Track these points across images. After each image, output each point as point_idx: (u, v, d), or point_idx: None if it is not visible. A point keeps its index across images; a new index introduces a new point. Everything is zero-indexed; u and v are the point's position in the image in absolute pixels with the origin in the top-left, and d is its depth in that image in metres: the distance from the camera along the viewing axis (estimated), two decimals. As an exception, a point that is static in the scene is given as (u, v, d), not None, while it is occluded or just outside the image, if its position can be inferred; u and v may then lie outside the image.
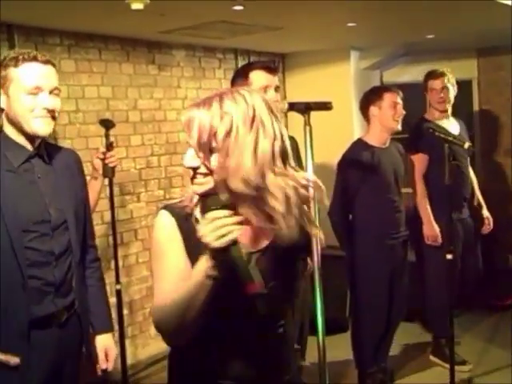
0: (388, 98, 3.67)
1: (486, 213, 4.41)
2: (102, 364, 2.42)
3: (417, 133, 4.19)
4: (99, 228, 4.02)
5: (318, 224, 2.05)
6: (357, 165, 3.61)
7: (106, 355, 2.42)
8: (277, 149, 1.52)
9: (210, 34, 4.45)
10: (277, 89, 2.90)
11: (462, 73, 5.42)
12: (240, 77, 2.87)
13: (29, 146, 2.18)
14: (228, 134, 1.45)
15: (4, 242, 2.06)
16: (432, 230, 4.04)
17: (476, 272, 4.37)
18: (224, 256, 1.39)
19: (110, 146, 3.22)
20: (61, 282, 2.20)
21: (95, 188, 3.11)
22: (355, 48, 5.68)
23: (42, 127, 2.14)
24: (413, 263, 4.21)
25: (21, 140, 2.17)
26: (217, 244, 1.36)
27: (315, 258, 2.04)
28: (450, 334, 3.52)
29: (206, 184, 1.49)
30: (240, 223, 1.39)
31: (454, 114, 4.39)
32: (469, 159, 4.29)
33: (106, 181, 3.38)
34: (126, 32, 4.28)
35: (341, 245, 3.76)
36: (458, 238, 4.07)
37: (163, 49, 4.75)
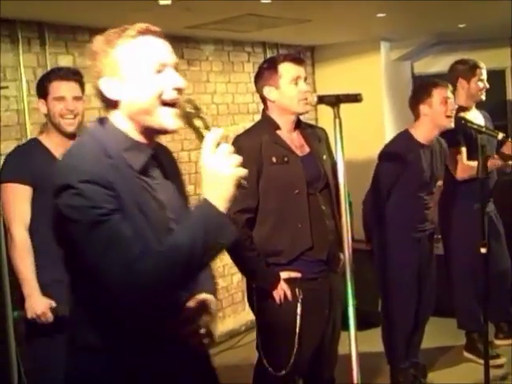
0: (437, 93, 3.55)
1: None
2: None
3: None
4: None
5: (349, 217, 2.04)
6: (397, 160, 3.56)
7: None
8: None
9: (238, 28, 4.44)
10: (305, 80, 2.89)
11: (494, 62, 5.33)
12: (268, 70, 2.86)
13: None
14: None
15: None
16: None
17: (503, 266, 4.29)
18: None
19: None
20: None
21: None
22: (385, 39, 5.62)
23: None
24: (442, 256, 4.17)
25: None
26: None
27: (346, 253, 2.02)
28: (484, 329, 3.46)
29: None
30: None
31: (486, 104, 4.31)
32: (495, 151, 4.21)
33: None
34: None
35: (366, 235, 3.73)
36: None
37: (192, 43, 4.75)
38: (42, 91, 2.94)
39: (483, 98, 4.20)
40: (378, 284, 3.77)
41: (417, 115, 3.64)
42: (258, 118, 3.13)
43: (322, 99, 2.11)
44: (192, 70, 4.75)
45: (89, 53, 1.65)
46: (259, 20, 4.14)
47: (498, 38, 5.66)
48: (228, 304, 5.10)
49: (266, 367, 2.79)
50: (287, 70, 2.82)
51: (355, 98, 2.10)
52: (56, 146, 2.94)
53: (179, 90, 1.62)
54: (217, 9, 3.68)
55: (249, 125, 3.16)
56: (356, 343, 2.01)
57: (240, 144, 2.76)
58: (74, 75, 2.98)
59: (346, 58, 5.66)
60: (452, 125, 3.59)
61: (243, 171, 1.49)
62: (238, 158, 1.49)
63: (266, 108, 2.94)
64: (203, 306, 1.73)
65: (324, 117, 5.41)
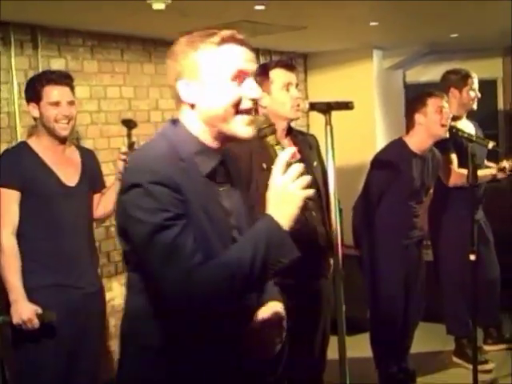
0: (432, 103, 3.58)
1: None
2: None
3: None
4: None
5: (339, 223, 2.05)
6: (389, 167, 3.58)
7: None
8: None
9: (232, 34, 4.45)
10: (297, 86, 2.91)
11: (486, 72, 5.37)
12: (260, 76, 2.87)
13: None
14: None
15: None
16: None
17: (492, 273, 4.32)
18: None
19: (131, 146, 3.24)
20: None
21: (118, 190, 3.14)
22: (378, 47, 5.65)
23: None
24: (431, 263, 4.20)
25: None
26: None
27: (336, 258, 2.03)
28: (473, 335, 3.48)
29: None
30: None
31: (478, 114, 4.35)
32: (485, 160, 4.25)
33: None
34: (147, 32, 4.30)
35: (355, 240, 3.75)
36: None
37: (185, 49, 4.75)
38: (34, 95, 2.92)
39: (475, 107, 4.24)
40: (366, 289, 3.78)
41: (412, 124, 3.66)
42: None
43: (313, 106, 2.13)
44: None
45: (169, 52, 1.66)
46: (253, 26, 4.16)
47: (490, 48, 5.71)
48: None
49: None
50: (278, 76, 2.84)
51: (346, 106, 2.12)
52: (45, 149, 2.95)
53: (254, 100, 1.64)
54: (211, 14, 3.69)
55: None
56: (345, 348, 2.03)
57: (231, 150, 2.78)
58: (66, 79, 2.98)
59: (338, 66, 5.69)
60: (447, 134, 3.62)
61: (310, 192, 1.54)
62: (307, 179, 1.53)
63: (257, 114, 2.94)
64: (277, 318, 1.73)
65: (316, 124, 5.43)
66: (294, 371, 2.87)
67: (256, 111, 1.68)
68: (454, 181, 4.00)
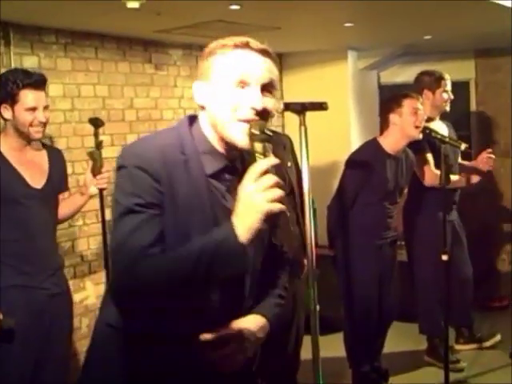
0: (408, 104, 3.62)
1: None
2: None
3: None
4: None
5: (313, 223, 2.06)
6: (364, 167, 3.60)
7: None
8: None
9: (207, 34, 4.43)
10: None
11: (459, 74, 5.42)
12: None
13: None
14: None
15: None
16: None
17: (465, 273, 4.37)
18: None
19: (99, 145, 3.21)
20: None
21: (78, 203, 3.18)
22: (353, 48, 5.67)
23: None
24: (405, 263, 4.24)
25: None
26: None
27: (310, 257, 2.03)
28: (444, 334, 3.52)
29: None
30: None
31: (450, 115, 4.39)
32: (459, 160, 4.29)
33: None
34: (122, 31, 4.27)
35: (329, 240, 3.77)
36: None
37: (160, 48, 4.74)
38: (9, 97, 2.84)
39: (448, 108, 4.28)
40: (340, 289, 3.80)
41: (386, 125, 3.69)
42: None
43: (288, 106, 2.12)
44: (159, 75, 4.73)
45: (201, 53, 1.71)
46: (228, 26, 4.15)
47: (463, 50, 5.77)
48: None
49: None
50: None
51: (320, 107, 2.12)
52: (11, 150, 2.90)
53: (258, 111, 1.58)
54: (186, 14, 3.68)
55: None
56: (318, 347, 2.03)
57: None
58: (43, 84, 2.93)
59: (313, 66, 5.70)
60: (420, 136, 3.65)
61: (278, 207, 1.43)
62: (278, 193, 1.44)
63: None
64: (239, 335, 1.67)
65: (290, 124, 5.44)
66: (268, 371, 2.89)
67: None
68: (430, 180, 4.02)
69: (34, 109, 2.85)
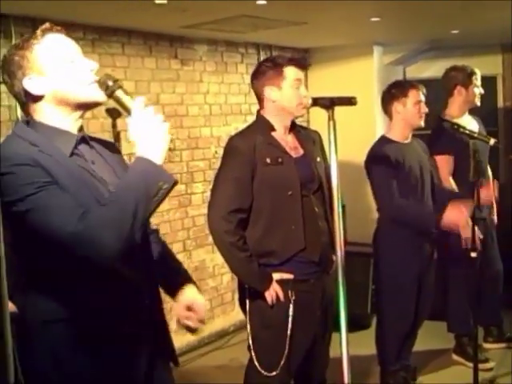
0: (413, 95, 3.59)
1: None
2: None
3: (438, 132, 4.10)
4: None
5: (342, 219, 2.04)
6: (384, 160, 3.56)
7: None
8: None
9: (233, 29, 4.44)
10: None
11: (486, 69, 5.35)
12: (273, 70, 2.86)
13: None
14: None
15: None
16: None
17: (495, 271, 4.31)
18: None
19: (117, 136, 3.21)
20: None
21: None
22: (378, 43, 5.64)
23: None
24: (435, 261, 4.19)
25: None
26: None
27: (339, 255, 2.02)
28: (473, 333, 3.48)
29: None
30: None
31: (478, 110, 4.34)
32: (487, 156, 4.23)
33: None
34: (148, 26, 4.29)
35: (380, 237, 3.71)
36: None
37: (185, 43, 4.75)
38: None
39: (478, 103, 4.23)
40: (375, 285, 3.74)
41: (389, 112, 3.68)
42: (250, 118, 3.13)
43: (316, 101, 2.12)
44: (185, 70, 4.74)
45: None
46: (254, 21, 4.14)
47: (490, 44, 5.70)
48: (217, 304, 5.09)
49: (257, 368, 2.79)
50: (292, 74, 2.85)
51: (349, 101, 2.11)
52: None
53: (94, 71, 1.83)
54: (212, 9, 3.68)
55: (241, 126, 3.16)
56: (347, 345, 2.02)
57: (234, 144, 2.81)
58: None
59: (339, 61, 5.68)
60: (422, 124, 3.63)
61: (168, 125, 1.64)
62: (162, 116, 1.65)
63: (261, 108, 2.94)
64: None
65: (316, 119, 5.42)
66: (297, 368, 2.89)
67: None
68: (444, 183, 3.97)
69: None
